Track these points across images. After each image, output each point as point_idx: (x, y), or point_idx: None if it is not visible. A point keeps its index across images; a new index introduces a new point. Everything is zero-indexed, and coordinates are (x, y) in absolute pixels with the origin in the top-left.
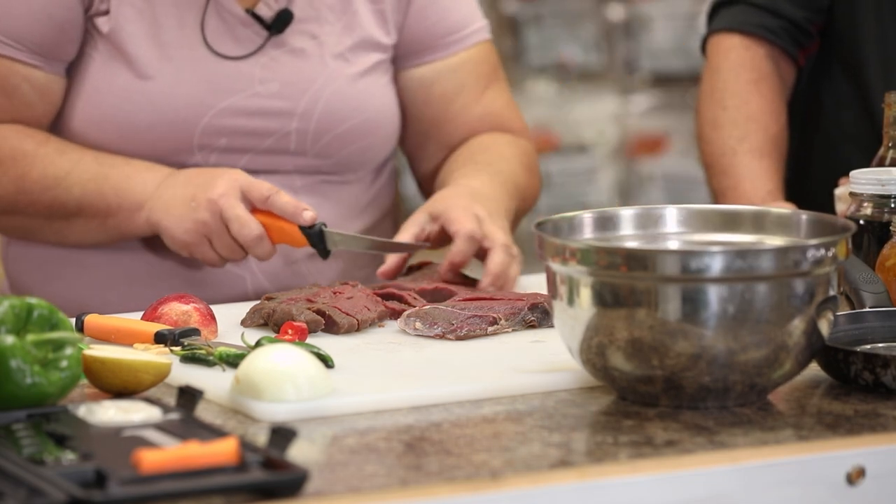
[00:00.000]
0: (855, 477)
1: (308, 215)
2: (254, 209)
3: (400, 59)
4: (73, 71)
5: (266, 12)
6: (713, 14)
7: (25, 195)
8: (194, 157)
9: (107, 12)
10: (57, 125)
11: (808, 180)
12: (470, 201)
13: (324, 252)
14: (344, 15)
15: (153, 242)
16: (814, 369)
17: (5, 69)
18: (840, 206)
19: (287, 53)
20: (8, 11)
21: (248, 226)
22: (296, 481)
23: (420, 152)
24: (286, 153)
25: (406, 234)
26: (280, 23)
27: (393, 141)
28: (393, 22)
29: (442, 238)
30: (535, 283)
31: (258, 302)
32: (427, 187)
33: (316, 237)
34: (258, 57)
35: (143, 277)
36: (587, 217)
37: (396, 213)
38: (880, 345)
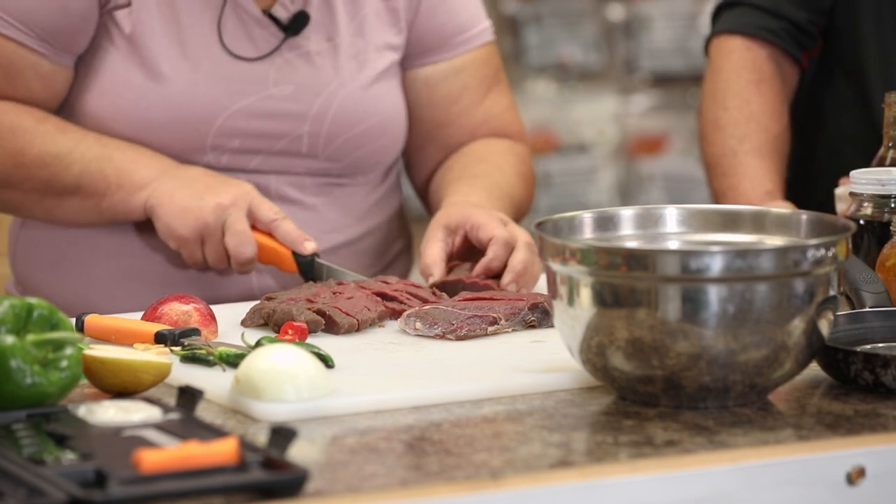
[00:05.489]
0: (855, 477)
1: (310, 246)
2: (253, 226)
3: (405, 59)
4: (86, 63)
5: (282, 13)
6: (716, 16)
7: (22, 170)
8: (206, 156)
9: (127, 5)
10: (68, 116)
11: (808, 180)
12: (486, 209)
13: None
14: (357, 15)
15: (160, 240)
16: (814, 369)
17: (10, 52)
18: (840, 206)
19: (301, 56)
20: None
21: (246, 245)
22: (296, 481)
23: (419, 154)
24: (298, 155)
25: (433, 252)
26: (296, 24)
27: (402, 142)
28: (405, 20)
29: (466, 250)
30: None
31: (258, 302)
32: (422, 190)
33: (307, 266)
34: (273, 59)
35: (149, 275)
36: (587, 217)
37: (402, 215)
38: (880, 345)
